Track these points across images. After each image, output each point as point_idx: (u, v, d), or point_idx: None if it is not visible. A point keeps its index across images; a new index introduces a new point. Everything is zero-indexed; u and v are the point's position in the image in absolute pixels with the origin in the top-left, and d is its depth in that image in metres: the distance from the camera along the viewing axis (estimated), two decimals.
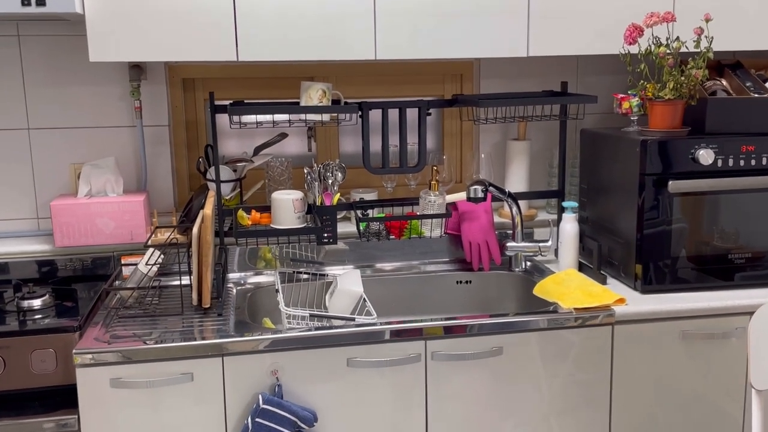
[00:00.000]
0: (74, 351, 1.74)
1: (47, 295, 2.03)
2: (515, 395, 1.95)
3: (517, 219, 2.33)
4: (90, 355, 1.75)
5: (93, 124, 2.35)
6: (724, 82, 2.26)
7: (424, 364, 1.90)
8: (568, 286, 2.11)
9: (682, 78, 2.01)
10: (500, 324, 1.91)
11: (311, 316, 1.92)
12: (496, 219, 2.49)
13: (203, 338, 1.81)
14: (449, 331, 1.89)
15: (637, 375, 2.01)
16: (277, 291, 2.06)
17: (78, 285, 2.20)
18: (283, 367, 1.83)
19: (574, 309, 1.96)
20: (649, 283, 2.08)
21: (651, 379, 2.02)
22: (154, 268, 2.03)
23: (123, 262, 2.22)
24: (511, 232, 2.46)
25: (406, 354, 1.88)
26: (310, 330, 1.85)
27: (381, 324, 1.88)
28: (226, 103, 2.20)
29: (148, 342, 1.79)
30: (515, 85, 2.56)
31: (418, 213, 2.30)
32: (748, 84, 2.20)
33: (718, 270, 2.11)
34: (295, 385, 1.84)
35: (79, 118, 2.34)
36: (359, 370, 1.87)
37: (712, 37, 2.02)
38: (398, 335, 1.87)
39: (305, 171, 2.21)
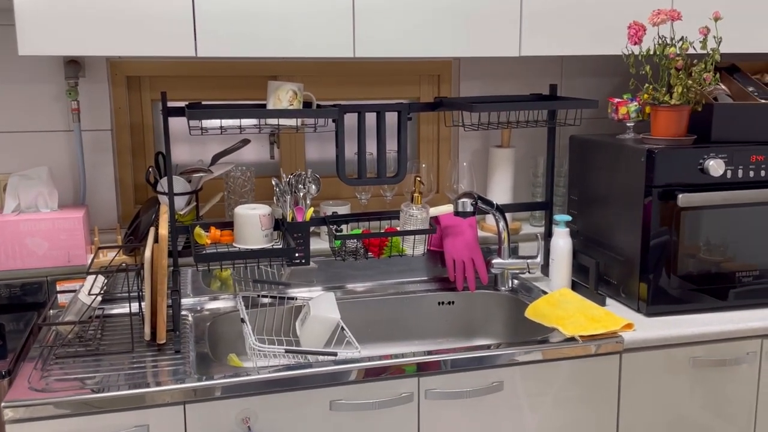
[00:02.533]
0: (3, 403, 1.44)
1: None
2: None
3: (504, 234, 2.13)
4: (23, 408, 1.45)
5: (22, 128, 2.03)
6: (723, 87, 2.11)
7: (417, 404, 1.67)
8: (566, 309, 1.92)
9: (690, 81, 1.85)
10: (500, 356, 1.70)
11: (287, 351, 1.67)
12: (479, 233, 2.28)
13: (159, 383, 1.54)
14: (444, 366, 1.67)
15: (646, 406, 1.83)
16: (242, 321, 1.80)
17: (4, 317, 1.88)
18: (255, 414, 1.58)
19: (580, 336, 1.76)
20: (654, 304, 1.91)
21: (660, 410, 1.84)
22: (99, 298, 1.73)
23: (58, 288, 1.92)
24: (494, 247, 2.26)
25: (397, 393, 1.65)
26: (285, 369, 1.59)
27: (367, 359, 1.64)
28: (178, 104, 1.92)
29: (93, 389, 1.50)
30: (497, 87, 2.36)
31: (398, 228, 2.07)
32: (750, 89, 2.06)
33: (725, 289, 1.95)
34: None
35: (6, 121, 2.02)
36: (344, 414, 1.62)
37: (721, 38, 1.86)
38: (387, 372, 1.63)
39: (273, 182, 1.95)
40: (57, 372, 1.59)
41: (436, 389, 1.67)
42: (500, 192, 2.30)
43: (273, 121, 1.85)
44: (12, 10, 1.64)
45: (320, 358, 1.68)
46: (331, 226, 2.02)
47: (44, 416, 1.46)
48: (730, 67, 2.19)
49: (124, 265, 1.80)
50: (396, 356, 1.66)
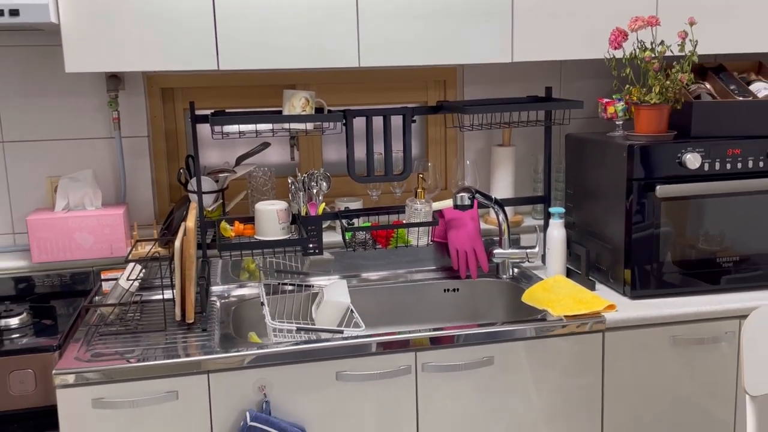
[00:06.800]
0: (54, 371, 1.69)
1: (25, 313, 1.97)
2: (507, 405, 1.92)
3: (504, 226, 2.31)
4: (71, 375, 1.69)
5: (70, 135, 2.29)
6: (708, 86, 2.26)
7: (415, 376, 1.86)
8: (558, 293, 2.09)
9: (668, 82, 2.01)
10: (491, 333, 1.88)
11: (298, 329, 1.88)
12: (483, 226, 2.47)
13: (188, 355, 1.76)
14: (439, 342, 1.86)
15: (629, 381, 1.99)
16: (262, 304, 2.02)
17: (56, 302, 2.14)
18: (270, 383, 1.79)
19: (564, 316, 1.94)
20: (637, 289, 2.07)
21: (642, 386, 2.00)
22: (136, 283, 1.97)
23: (103, 277, 2.17)
24: (497, 238, 2.44)
25: (396, 366, 1.85)
26: (297, 344, 1.81)
27: (370, 336, 1.84)
28: (207, 112, 2.15)
29: (130, 360, 1.74)
30: (499, 90, 2.54)
31: (404, 221, 2.27)
32: (732, 87, 2.20)
33: (706, 274, 2.10)
34: (283, 400, 1.80)
35: (56, 130, 2.28)
36: (349, 384, 1.83)
37: (697, 41, 2.01)
38: (387, 347, 1.84)
39: (289, 181, 2.17)
40: (100, 347, 1.83)
41: (431, 363, 1.86)
42: (502, 188, 2.48)
43: (287, 125, 2.07)
44: (59, 33, 1.89)
45: (328, 335, 1.88)
46: (342, 220, 2.23)
47: (88, 382, 1.70)
48: (717, 67, 2.33)
49: (157, 254, 2.04)
50: (394, 333, 1.86)
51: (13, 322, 1.94)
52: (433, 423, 1.89)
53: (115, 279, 2.11)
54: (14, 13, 1.78)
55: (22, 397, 1.77)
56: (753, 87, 2.22)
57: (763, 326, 1.65)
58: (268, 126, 2.05)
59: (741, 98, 2.13)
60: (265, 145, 2.29)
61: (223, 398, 1.77)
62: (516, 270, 2.37)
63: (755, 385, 1.64)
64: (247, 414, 1.74)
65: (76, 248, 2.19)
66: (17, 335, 1.88)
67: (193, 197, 2.20)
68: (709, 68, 2.32)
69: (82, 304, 2.08)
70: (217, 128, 2.05)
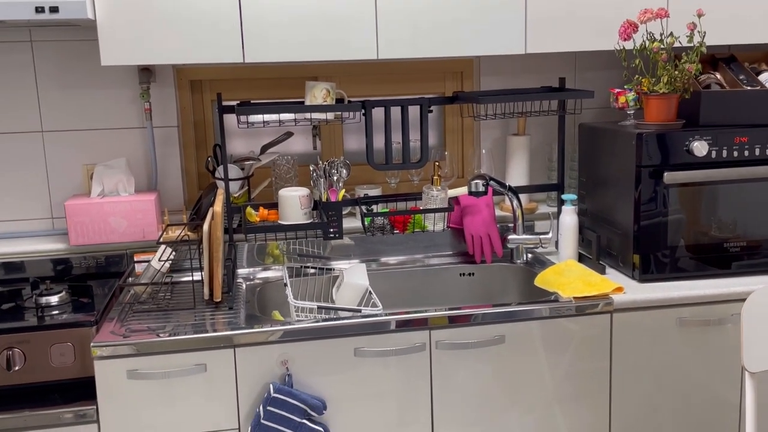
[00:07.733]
0: (92, 344, 1.81)
1: (64, 292, 2.10)
2: (517, 382, 2.01)
3: (518, 212, 2.39)
4: (107, 348, 1.82)
5: (105, 125, 2.42)
6: (718, 76, 2.31)
7: (429, 353, 1.96)
8: (568, 276, 2.17)
9: (676, 72, 2.07)
10: (502, 313, 1.97)
11: (319, 308, 1.99)
12: (498, 213, 2.55)
13: (215, 330, 1.88)
14: (452, 321, 1.95)
15: (636, 361, 2.07)
16: (285, 285, 2.13)
17: (93, 282, 2.27)
18: (292, 358, 1.90)
19: (574, 298, 2.02)
20: (646, 273, 2.14)
21: (649, 366, 2.08)
22: (167, 264, 2.09)
23: (136, 259, 2.29)
24: (512, 225, 2.52)
25: (411, 343, 1.94)
26: (318, 321, 1.91)
27: (386, 315, 1.94)
28: (233, 103, 2.26)
29: (162, 335, 1.85)
30: (515, 81, 2.62)
31: (421, 208, 2.36)
32: (741, 77, 2.25)
33: (715, 259, 2.17)
34: (304, 374, 1.91)
35: (91, 120, 2.41)
36: (366, 360, 1.93)
37: (705, 32, 2.08)
38: (403, 325, 1.93)
39: (311, 168, 2.27)
40: (134, 323, 1.95)
41: (445, 340, 1.96)
42: (517, 176, 2.56)
43: (308, 115, 2.17)
44: (95, 28, 2.01)
45: (347, 313, 1.98)
46: (362, 206, 2.33)
47: (123, 354, 1.82)
48: (728, 58, 2.39)
49: (187, 237, 2.16)
50: (408, 312, 1.96)
51: (53, 300, 2.07)
52: (447, 397, 1.98)
53: (148, 261, 2.23)
54: (54, 9, 1.90)
55: (62, 369, 1.90)
56: (762, 77, 2.27)
57: (763, 306, 1.71)
58: (290, 116, 2.16)
59: (749, 88, 2.19)
60: (289, 134, 2.39)
61: (249, 371, 1.88)
62: (530, 255, 2.45)
63: (754, 361, 1.71)
64: (271, 386, 1.85)
65: (110, 232, 2.32)
66: (57, 312, 2.01)
67: (221, 184, 2.32)
68: (720, 59, 2.38)
69: (117, 283, 2.21)
70: (243, 118, 2.16)
